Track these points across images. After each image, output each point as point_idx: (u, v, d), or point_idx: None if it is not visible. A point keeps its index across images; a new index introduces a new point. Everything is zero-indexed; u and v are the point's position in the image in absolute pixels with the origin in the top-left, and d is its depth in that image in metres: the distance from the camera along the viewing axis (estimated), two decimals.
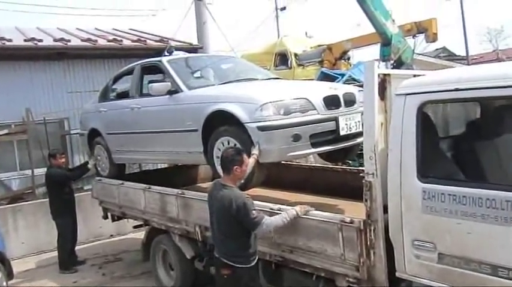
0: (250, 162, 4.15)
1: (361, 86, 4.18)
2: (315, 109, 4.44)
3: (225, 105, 4.63)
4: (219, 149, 4.74)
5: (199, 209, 4.91)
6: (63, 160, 7.70)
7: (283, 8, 23.97)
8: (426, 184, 3.02)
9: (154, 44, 11.47)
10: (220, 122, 4.72)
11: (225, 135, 4.70)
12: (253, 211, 3.71)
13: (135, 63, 6.61)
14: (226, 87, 5.27)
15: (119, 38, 11.73)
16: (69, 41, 10.80)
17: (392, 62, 8.58)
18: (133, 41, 11.76)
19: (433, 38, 10.04)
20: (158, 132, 5.68)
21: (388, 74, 3.46)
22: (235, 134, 4.58)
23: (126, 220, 7.39)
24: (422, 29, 9.89)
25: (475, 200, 2.79)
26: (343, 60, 11.80)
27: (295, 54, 12.04)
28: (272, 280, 4.37)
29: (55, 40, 10.80)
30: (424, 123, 3.10)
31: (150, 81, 5.71)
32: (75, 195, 7.93)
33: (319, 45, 12.47)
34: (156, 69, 6.15)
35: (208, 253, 5.15)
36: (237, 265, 3.80)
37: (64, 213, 7.45)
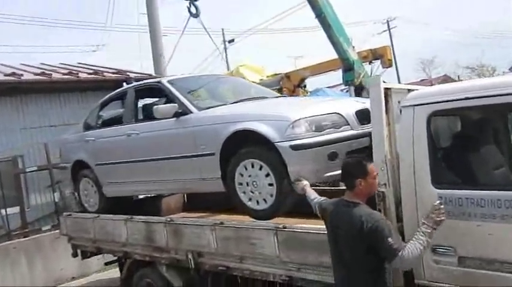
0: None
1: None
2: (348, 124, 4.10)
3: (249, 124, 4.23)
4: (242, 175, 4.33)
5: (191, 235, 4.79)
6: None
7: (232, 41, 24.35)
8: (442, 190, 3.12)
9: (112, 76, 11.32)
10: (241, 143, 4.33)
11: (249, 157, 4.27)
12: (392, 236, 2.90)
13: (126, 86, 6.18)
14: (246, 106, 4.92)
15: (74, 71, 11.47)
16: (21, 75, 10.44)
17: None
18: (89, 73, 11.54)
19: (389, 64, 10.57)
20: (163, 159, 5.19)
21: (389, 88, 3.56)
22: (261, 155, 4.19)
23: (89, 259, 7.11)
24: (378, 55, 10.38)
25: (493, 202, 2.91)
26: (300, 88, 12.12)
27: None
28: None
29: (6, 75, 10.40)
30: (436, 131, 3.23)
31: (144, 106, 5.44)
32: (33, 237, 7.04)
33: (275, 74, 12.72)
34: (154, 92, 5.88)
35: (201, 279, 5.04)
36: None
37: None
